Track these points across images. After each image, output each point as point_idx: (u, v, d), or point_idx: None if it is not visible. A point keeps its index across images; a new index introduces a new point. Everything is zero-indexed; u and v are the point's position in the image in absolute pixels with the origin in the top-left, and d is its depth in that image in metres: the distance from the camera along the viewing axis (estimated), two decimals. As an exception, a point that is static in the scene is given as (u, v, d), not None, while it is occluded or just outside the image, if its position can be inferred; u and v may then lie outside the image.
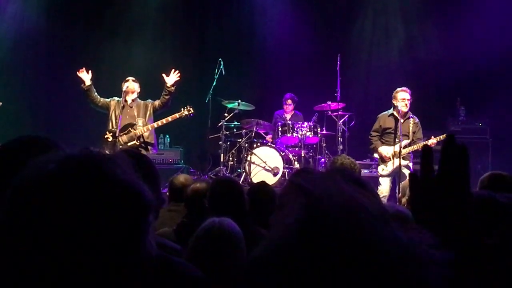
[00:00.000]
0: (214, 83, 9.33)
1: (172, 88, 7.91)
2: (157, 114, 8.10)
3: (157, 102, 8.02)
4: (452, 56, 10.42)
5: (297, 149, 9.28)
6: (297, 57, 11.00)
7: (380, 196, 7.94)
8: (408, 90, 8.06)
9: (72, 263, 1.02)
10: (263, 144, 9.32)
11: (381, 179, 8.14)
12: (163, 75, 7.98)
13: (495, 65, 10.29)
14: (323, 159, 9.18)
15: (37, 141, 1.78)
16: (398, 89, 8.14)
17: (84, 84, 7.90)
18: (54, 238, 1.01)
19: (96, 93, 8.02)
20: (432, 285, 0.73)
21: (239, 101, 9.43)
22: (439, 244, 0.77)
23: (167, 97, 7.94)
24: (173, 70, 7.98)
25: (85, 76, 7.90)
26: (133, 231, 1.08)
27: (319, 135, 9.24)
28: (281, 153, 9.10)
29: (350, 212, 0.77)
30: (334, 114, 9.23)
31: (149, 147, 7.99)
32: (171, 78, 7.93)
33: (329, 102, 9.25)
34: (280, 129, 9.28)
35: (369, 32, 11.35)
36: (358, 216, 0.76)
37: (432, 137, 7.96)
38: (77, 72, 7.92)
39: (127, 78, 8.02)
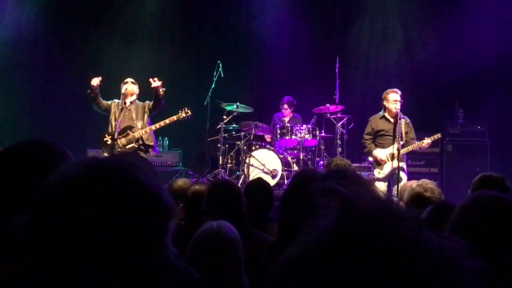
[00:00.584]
0: (213, 86, 9.33)
1: (158, 93, 7.83)
2: (153, 116, 8.09)
3: (150, 103, 8.00)
4: (450, 58, 10.44)
5: (295, 151, 9.28)
6: (295, 59, 11.00)
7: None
8: (399, 91, 8.03)
9: (95, 263, 1.05)
10: (261, 147, 9.32)
11: (377, 183, 8.12)
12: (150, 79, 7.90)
13: (494, 68, 10.31)
14: (321, 162, 9.17)
15: (40, 145, 1.79)
16: (388, 90, 8.11)
17: (93, 90, 7.86)
18: (77, 240, 1.04)
19: (100, 97, 8.00)
20: None
21: (238, 103, 9.44)
22: (471, 253, 0.76)
23: (155, 99, 7.89)
24: (151, 78, 7.88)
25: (96, 81, 7.86)
26: (153, 235, 1.10)
27: (318, 138, 9.24)
28: (280, 155, 9.10)
29: (386, 215, 0.76)
30: (333, 116, 9.23)
31: (149, 150, 7.99)
32: (153, 84, 7.83)
33: (327, 105, 9.26)
34: (278, 131, 9.28)
35: (368, 35, 11.36)
36: (394, 220, 0.75)
37: (426, 138, 7.96)
38: (94, 82, 7.82)
39: (126, 80, 8.02)
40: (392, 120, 8.01)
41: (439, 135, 8.19)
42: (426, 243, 0.73)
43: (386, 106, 8.04)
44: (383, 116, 8.11)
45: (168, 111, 8.17)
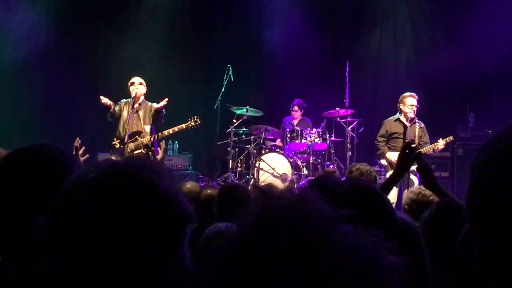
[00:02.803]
0: (223, 89, 9.34)
1: (159, 112, 7.86)
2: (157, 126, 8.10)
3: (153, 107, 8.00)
4: (461, 62, 10.38)
5: (305, 155, 9.26)
6: (306, 63, 11.00)
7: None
8: (416, 96, 8.00)
9: (111, 267, 1.06)
10: (271, 150, 9.31)
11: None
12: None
13: (505, 72, 10.25)
14: (331, 166, 9.15)
15: (50, 146, 1.81)
16: (406, 94, 8.06)
17: (111, 108, 7.86)
18: (94, 243, 1.05)
19: (112, 106, 8.00)
20: None
21: (248, 107, 9.44)
22: (396, 249, 0.78)
23: (157, 116, 7.90)
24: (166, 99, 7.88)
25: (107, 100, 7.84)
26: (170, 240, 1.11)
27: (328, 142, 9.23)
28: (290, 159, 9.09)
29: (299, 211, 0.79)
30: (343, 120, 9.21)
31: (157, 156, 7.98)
32: (161, 104, 7.85)
33: (337, 109, 9.23)
34: (288, 135, 9.28)
35: (378, 38, 11.33)
36: (306, 214, 0.78)
37: (440, 139, 7.92)
38: (100, 99, 7.82)
39: (133, 80, 7.93)
40: (407, 123, 7.96)
41: (451, 137, 8.16)
42: (337, 235, 0.76)
43: (402, 109, 8.01)
44: (398, 119, 8.08)
45: (178, 115, 8.17)
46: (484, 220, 0.91)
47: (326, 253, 0.73)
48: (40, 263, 1.13)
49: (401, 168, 2.97)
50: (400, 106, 8.04)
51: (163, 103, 7.80)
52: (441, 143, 7.87)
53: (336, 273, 0.72)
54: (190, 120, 7.92)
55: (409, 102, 7.93)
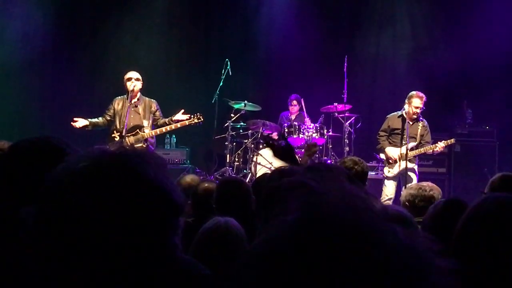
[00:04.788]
0: (221, 84, 9.34)
1: (173, 124, 7.89)
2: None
3: (160, 120, 8.00)
4: (459, 58, 10.38)
5: (303, 150, 9.25)
6: (304, 58, 10.98)
7: (385, 199, 7.92)
8: (424, 97, 7.89)
9: (101, 257, 1.05)
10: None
11: (386, 181, 8.08)
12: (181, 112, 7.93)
13: (502, 68, 10.26)
14: (329, 161, 9.15)
15: (49, 140, 1.80)
16: (414, 93, 7.94)
17: (87, 127, 7.91)
18: (83, 230, 1.04)
19: (99, 119, 8.00)
20: None
21: (246, 102, 9.44)
22: (444, 251, 0.74)
23: (166, 126, 7.93)
24: (182, 112, 7.93)
25: (81, 123, 7.87)
26: (159, 229, 1.10)
27: (325, 137, 9.23)
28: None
29: (349, 207, 0.75)
30: (341, 115, 9.22)
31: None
32: (179, 116, 7.88)
33: (335, 104, 9.24)
34: (286, 130, 9.27)
35: (376, 34, 11.32)
36: (356, 212, 0.74)
37: (439, 142, 7.92)
38: (73, 125, 7.85)
39: (129, 76, 7.90)
40: (409, 121, 7.93)
41: (452, 140, 8.16)
42: (393, 235, 0.72)
43: (407, 107, 7.97)
44: (401, 116, 8.05)
45: (176, 110, 8.14)
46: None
47: (385, 253, 0.69)
48: (28, 252, 1.12)
49: None
50: (406, 103, 7.98)
51: (184, 117, 7.86)
52: (440, 145, 7.87)
53: (395, 275, 0.68)
54: (194, 117, 7.91)
55: (415, 103, 7.85)
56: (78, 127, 7.86)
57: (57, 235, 1.06)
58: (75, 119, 7.90)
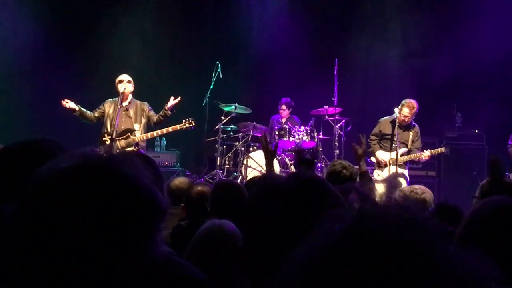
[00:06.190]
0: (212, 86, 9.32)
1: (169, 112, 7.85)
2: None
3: (154, 117, 7.96)
4: (449, 62, 10.44)
5: (293, 153, 9.27)
6: (294, 61, 11.00)
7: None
8: (415, 108, 7.89)
9: (82, 258, 1.05)
10: (259, 148, 9.31)
11: (376, 185, 8.10)
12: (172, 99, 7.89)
13: (492, 72, 10.33)
14: (319, 164, 9.17)
15: (41, 143, 1.79)
16: (406, 101, 7.94)
17: (75, 111, 7.84)
18: (64, 234, 1.03)
19: (88, 112, 7.95)
20: None
21: (236, 104, 9.44)
22: (503, 278, 0.70)
23: (162, 118, 7.91)
24: (173, 97, 7.87)
25: (71, 104, 7.81)
26: (140, 230, 1.09)
27: (316, 140, 9.24)
28: (278, 157, 9.09)
29: (405, 222, 0.70)
30: (331, 118, 9.24)
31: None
32: (171, 102, 7.85)
33: (326, 107, 9.26)
34: (277, 133, 9.28)
35: (367, 37, 11.36)
36: (413, 228, 0.70)
37: (425, 150, 7.96)
38: (63, 105, 7.79)
39: (121, 78, 7.88)
40: (401, 127, 7.96)
41: (442, 149, 8.21)
42: (450, 256, 0.68)
43: (398, 113, 7.98)
44: (393, 121, 8.07)
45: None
46: None
47: (440, 276, 0.65)
48: (9, 251, 1.11)
49: None
50: (398, 109, 8.01)
51: (176, 101, 7.80)
52: (425, 154, 7.93)
53: None
54: (185, 121, 7.89)
55: (404, 112, 7.89)
56: (66, 107, 7.78)
57: (36, 234, 1.06)
58: (67, 100, 7.82)
